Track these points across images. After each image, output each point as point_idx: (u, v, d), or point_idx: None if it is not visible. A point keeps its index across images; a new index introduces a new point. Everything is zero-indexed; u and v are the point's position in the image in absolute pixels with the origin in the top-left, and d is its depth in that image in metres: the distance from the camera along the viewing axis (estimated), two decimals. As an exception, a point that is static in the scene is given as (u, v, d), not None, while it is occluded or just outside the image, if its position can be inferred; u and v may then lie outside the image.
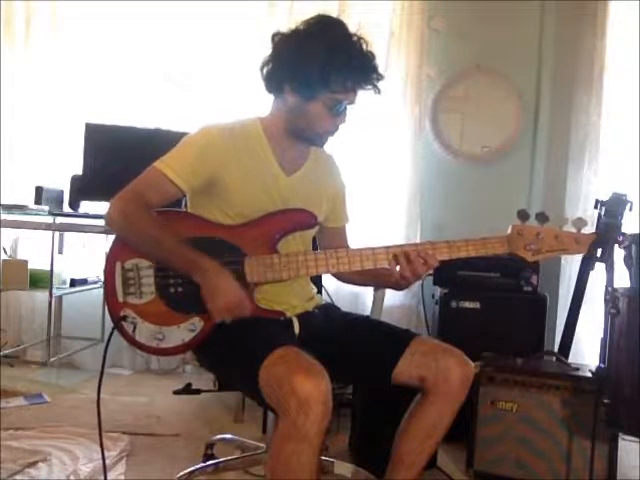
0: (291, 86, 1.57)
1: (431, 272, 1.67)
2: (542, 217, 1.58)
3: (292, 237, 1.65)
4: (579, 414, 2.10)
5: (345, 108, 1.60)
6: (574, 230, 1.58)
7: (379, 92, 1.60)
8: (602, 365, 2.04)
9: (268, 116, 1.68)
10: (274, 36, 1.61)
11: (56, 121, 3.44)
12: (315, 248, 1.86)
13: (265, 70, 1.61)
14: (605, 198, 2.00)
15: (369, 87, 1.59)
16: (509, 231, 1.61)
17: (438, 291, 2.80)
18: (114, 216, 1.54)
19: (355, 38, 1.56)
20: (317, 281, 2.04)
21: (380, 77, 1.59)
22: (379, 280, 1.77)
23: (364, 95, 1.62)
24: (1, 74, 3.36)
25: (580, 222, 1.57)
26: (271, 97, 1.67)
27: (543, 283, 2.80)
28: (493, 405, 2.20)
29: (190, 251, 1.51)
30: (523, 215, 1.59)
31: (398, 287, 1.68)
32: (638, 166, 2.96)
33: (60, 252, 3.22)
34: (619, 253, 1.90)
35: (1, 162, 3.35)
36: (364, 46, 1.57)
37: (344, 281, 1.86)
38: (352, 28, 1.59)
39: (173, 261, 1.53)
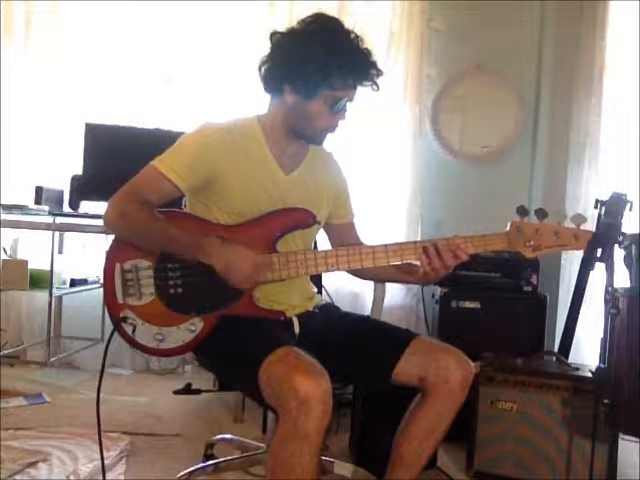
0: (291, 85, 1.57)
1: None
2: (541, 213, 1.58)
3: (291, 236, 1.65)
4: (579, 414, 2.10)
5: (345, 105, 1.60)
6: (573, 226, 1.58)
7: (378, 88, 1.61)
8: (602, 365, 2.03)
9: (266, 115, 1.68)
10: (272, 35, 1.61)
11: (56, 121, 3.44)
12: (316, 247, 1.86)
13: (263, 69, 1.61)
14: (605, 198, 2.00)
15: (369, 83, 1.59)
16: (508, 227, 1.61)
17: (438, 291, 2.80)
18: (112, 216, 1.54)
19: (352, 35, 1.57)
20: (317, 281, 2.04)
21: (380, 73, 1.59)
22: (400, 276, 1.75)
23: (363, 94, 1.62)
24: (1, 74, 3.36)
25: (579, 218, 1.57)
26: (269, 96, 1.67)
27: (543, 283, 2.80)
28: (493, 405, 2.20)
29: (192, 236, 1.52)
30: (522, 211, 1.59)
31: (424, 281, 1.67)
32: (638, 166, 2.96)
33: (60, 252, 3.22)
34: (619, 253, 1.90)
35: (1, 162, 3.35)
36: (361, 43, 1.58)
37: (363, 278, 1.87)
38: (348, 26, 1.59)
39: (177, 250, 1.53)
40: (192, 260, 1.52)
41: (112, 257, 1.59)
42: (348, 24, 1.60)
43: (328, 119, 1.61)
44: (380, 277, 1.89)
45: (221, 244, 1.51)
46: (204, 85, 3.41)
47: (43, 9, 3.43)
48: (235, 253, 1.50)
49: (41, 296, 3.22)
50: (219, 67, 3.40)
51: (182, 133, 1.65)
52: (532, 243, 1.59)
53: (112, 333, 1.56)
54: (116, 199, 1.55)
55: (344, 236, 1.85)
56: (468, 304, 2.69)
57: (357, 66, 1.56)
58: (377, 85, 1.60)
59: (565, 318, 2.59)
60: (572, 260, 3.04)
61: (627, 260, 1.94)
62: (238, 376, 1.54)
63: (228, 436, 2.32)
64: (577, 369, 2.24)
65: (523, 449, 2.16)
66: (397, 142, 3.29)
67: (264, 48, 1.62)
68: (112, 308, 1.57)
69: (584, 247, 1.60)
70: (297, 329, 1.67)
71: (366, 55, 1.58)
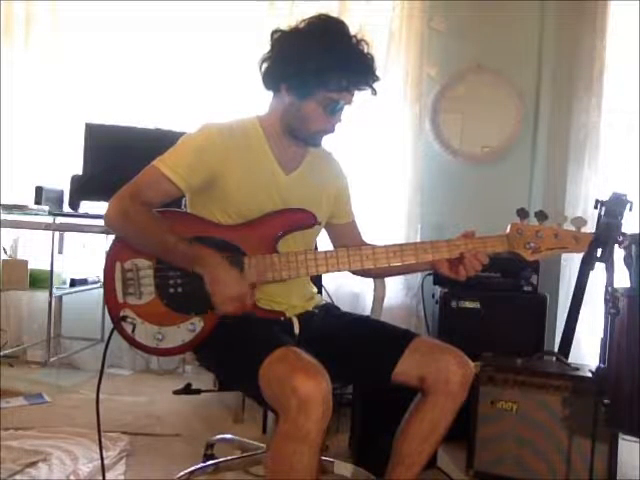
0: (287, 84, 1.58)
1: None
2: (541, 215, 1.58)
3: (292, 237, 1.65)
4: (579, 414, 2.10)
5: (341, 108, 1.60)
6: (573, 229, 1.58)
7: (375, 93, 1.61)
8: (602, 365, 2.03)
9: (266, 114, 1.68)
10: (273, 33, 1.61)
11: (56, 121, 3.44)
12: (316, 248, 1.86)
13: (263, 67, 1.61)
14: (605, 198, 2.00)
15: (365, 88, 1.59)
16: (508, 230, 1.61)
17: (438, 291, 2.80)
18: (113, 215, 1.54)
19: (354, 40, 1.56)
20: (317, 281, 2.04)
21: (376, 78, 1.59)
22: (410, 270, 1.75)
23: (363, 95, 1.62)
24: (1, 74, 3.36)
25: (579, 221, 1.57)
26: (270, 95, 1.67)
27: (543, 283, 2.80)
28: (493, 405, 2.20)
29: (191, 245, 1.51)
30: (522, 213, 1.59)
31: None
32: (638, 166, 2.96)
33: (60, 252, 3.21)
34: (619, 253, 1.90)
35: (1, 162, 3.35)
36: (363, 47, 1.57)
37: (369, 276, 1.90)
38: (353, 29, 1.58)
39: (175, 256, 1.53)
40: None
41: (112, 256, 1.59)
42: (350, 24, 1.59)
43: (322, 121, 1.61)
44: (388, 273, 1.90)
45: (219, 261, 1.50)
46: (204, 85, 3.41)
47: (43, 9, 3.43)
48: (226, 275, 1.48)
49: (41, 296, 3.23)
50: (219, 67, 3.40)
51: (182, 133, 1.65)
52: (532, 245, 1.59)
53: (111, 332, 1.56)
54: (117, 199, 1.54)
55: (346, 236, 1.85)
56: (468, 304, 2.69)
57: (352, 70, 1.55)
58: (374, 90, 1.60)
59: (565, 318, 2.59)
60: (572, 260, 3.03)
61: (627, 260, 1.94)
62: (238, 376, 1.54)
63: (228, 436, 2.32)
64: (577, 369, 2.24)
65: (523, 449, 2.16)
66: (397, 142, 3.28)
67: (264, 48, 1.62)
68: (112, 307, 1.57)
69: (584, 249, 1.60)
70: (297, 329, 1.66)
71: (364, 60, 1.57)
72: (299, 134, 1.64)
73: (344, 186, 1.86)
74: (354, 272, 1.77)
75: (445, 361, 1.56)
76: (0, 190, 3.23)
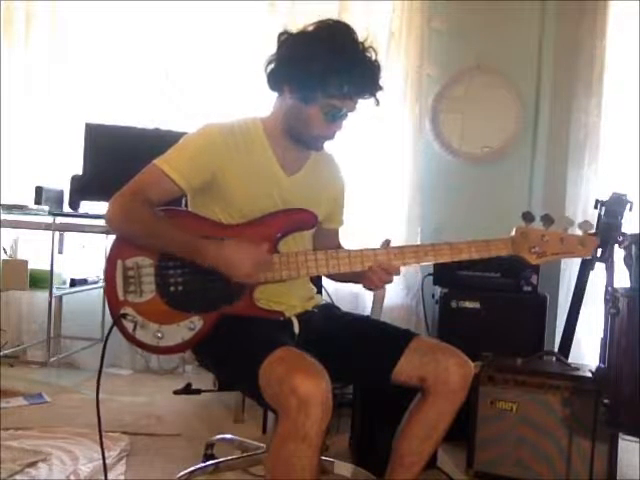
0: (290, 87, 1.57)
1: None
2: (547, 219, 1.56)
3: (292, 237, 1.65)
4: (579, 414, 2.10)
5: (342, 116, 1.59)
6: (580, 233, 1.57)
7: (378, 104, 1.59)
8: (602, 365, 2.03)
9: (269, 116, 1.68)
10: (280, 35, 1.60)
11: (56, 121, 3.44)
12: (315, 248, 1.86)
13: (268, 68, 1.61)
14: (605, 198, 2.00)
15: (367, 96, 1.57)
16: (513, 233, 1.60)
17: (438, 291, 2.80)
18: (114, 214, 1.54)
19: (360, 46, 1.55)
20: (317, 281, 2.04)
21: (378, 88, 1.57)
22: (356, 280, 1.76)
23: (364, 100, 1.61)
24: (1, 74, 3.36)
25: (586, 225, 1.55)
26: (272, 96, 1.67)
27: (543, 283, 2.80)
28: (493, 405, 2.20)
29: (193, 238, 1.52)
30: (528, 217, 1.57)
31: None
32: (638, 166, 2.96)
33: (60, 252, 3.21)
34: (619, 253, 1.90)
35: (1, 162, 3.35)
36: (370, 55, 1.55)
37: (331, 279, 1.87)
38: (361, 35, 1.56)
39: (177, 250, 1.53)
40: (191, 261, 1.53)
41: (114, 254, 1.59)
42: (349, 25, 1.58)
43: (323, 127, 1.60)
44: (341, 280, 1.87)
45: (219, 245, 1.51)
46: (204, 85, 3.41)
47: (43, 9, 3.43)
48: (236, 249, 1.51)
49: (41, 296, 3.23)
50: (219, 67, 3.40)
51: (182, 133, 1.65)
52: (537, 250, 1.57)
53: (110, 329, 1.56)
54: (118, 198, 1.54)
55: (328, 241, 1.83)
56: (468, 304, 2.69)
57: (355, 77, 1.53)
58: (377, 100, 1.58)
59: (565, 318, 2.59)
60: (572, 260, 3.03)
61: (627, 260, 1.94)
62: (238, 376, 1.54)
63: (228, 436, 2.32)
64: (577, 369, 2.25)
65: (523, 449, 2.16)
66: (397, 142, 3.28)
67: (264, 48, 1.62)
68: (112, 305, 1.57)
69: (590, 254, 1.59)
70: (297, 329, 1.66)
71: (369, 67, 1.55)
72: (300, 137, 1.63)
73: (342, 191, 1.85)
74: (328, 277, 1.76)
75: (445, 361, 1.56)
76: (0, 190, 3.23)
